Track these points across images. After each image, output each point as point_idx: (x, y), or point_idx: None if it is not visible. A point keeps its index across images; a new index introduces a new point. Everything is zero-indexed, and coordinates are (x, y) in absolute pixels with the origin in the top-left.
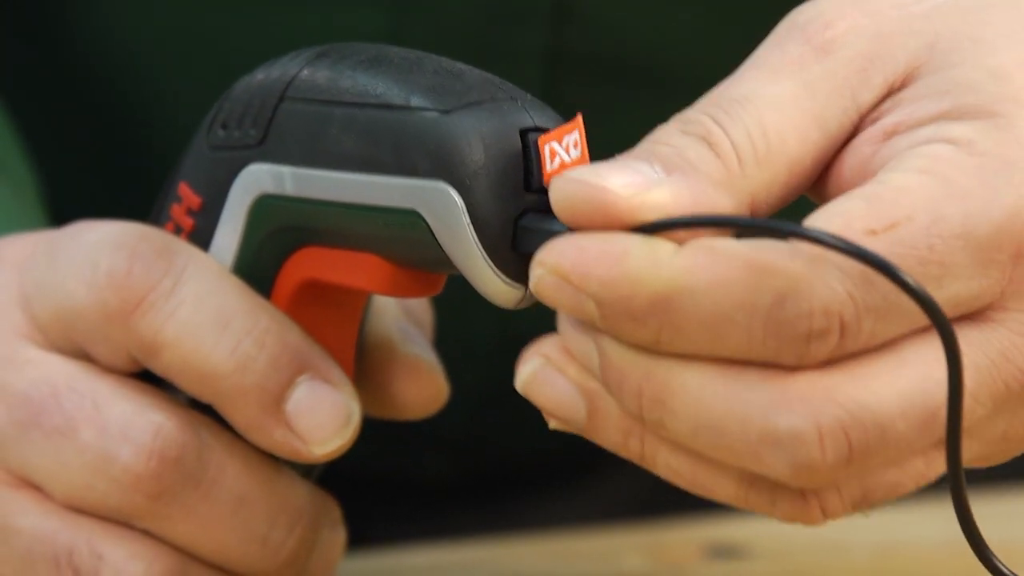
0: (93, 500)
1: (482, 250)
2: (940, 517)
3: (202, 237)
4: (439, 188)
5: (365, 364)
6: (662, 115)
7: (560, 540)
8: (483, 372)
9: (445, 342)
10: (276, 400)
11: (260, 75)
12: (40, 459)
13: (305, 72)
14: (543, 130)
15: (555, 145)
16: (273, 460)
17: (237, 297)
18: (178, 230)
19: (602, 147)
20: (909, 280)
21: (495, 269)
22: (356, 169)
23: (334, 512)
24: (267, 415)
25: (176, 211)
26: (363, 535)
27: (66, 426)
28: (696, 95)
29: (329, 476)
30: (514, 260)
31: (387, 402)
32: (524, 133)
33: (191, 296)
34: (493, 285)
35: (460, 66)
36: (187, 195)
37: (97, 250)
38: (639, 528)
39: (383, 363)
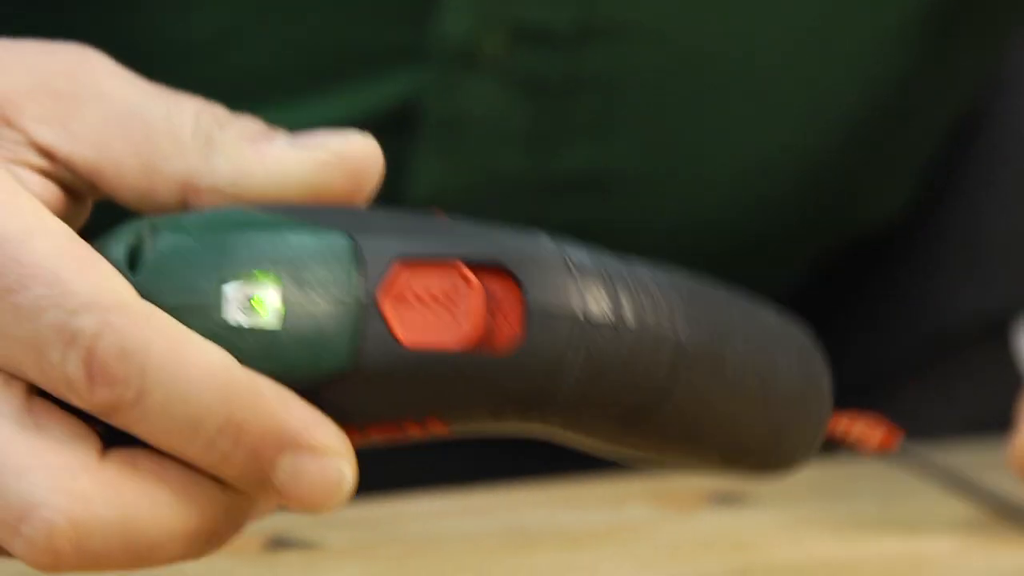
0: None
1: None
2: (948, 462)
3: None
4: None
5: None
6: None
7: (563, 487)
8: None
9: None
10: (263, 480)
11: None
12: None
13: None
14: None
15: None
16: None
17: (203, 390)
18: None
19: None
20: None
21: None
22: None
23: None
24: (258, 490)
25: None
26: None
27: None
28: None
29: None
30: None
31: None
32: None
33: (157, 407)
34: None
35: None
36: None
37: None
38: (643, 475)
39: None
